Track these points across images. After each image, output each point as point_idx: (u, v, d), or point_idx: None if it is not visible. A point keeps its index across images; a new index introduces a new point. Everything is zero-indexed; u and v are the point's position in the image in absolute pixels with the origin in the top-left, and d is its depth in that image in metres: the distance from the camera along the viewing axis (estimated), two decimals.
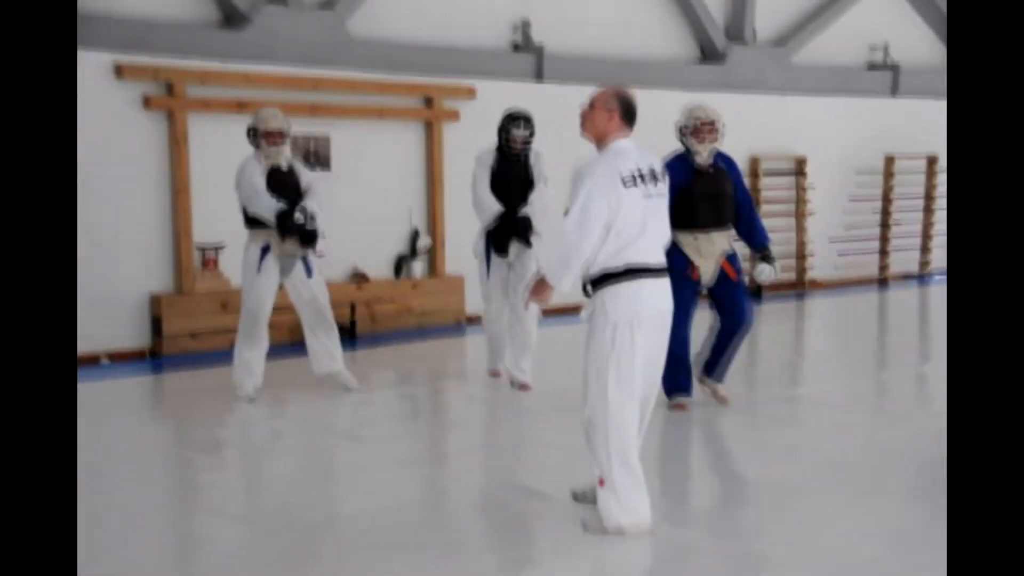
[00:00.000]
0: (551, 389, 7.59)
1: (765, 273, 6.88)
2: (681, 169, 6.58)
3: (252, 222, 7.05)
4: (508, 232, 7.53)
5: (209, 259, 9.12)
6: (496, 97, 10.51)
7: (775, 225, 13.30)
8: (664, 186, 4.53)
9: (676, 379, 6.60)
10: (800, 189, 13.54)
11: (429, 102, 10.48)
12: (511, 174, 7.57)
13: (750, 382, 7.96)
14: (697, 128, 6.71)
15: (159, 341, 8.88)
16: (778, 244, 13.23)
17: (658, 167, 4.55)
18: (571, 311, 11.09)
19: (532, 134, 7.54)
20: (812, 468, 5.58)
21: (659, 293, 4.46)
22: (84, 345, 8.01)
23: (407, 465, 5.84)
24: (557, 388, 7.60)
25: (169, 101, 8.88)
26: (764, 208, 13.22)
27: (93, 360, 8.53)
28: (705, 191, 6.65)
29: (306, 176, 7.22)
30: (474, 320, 10.56)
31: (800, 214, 13.55)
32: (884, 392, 8.08)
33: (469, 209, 10.06)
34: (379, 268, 10.28)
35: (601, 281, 4.42)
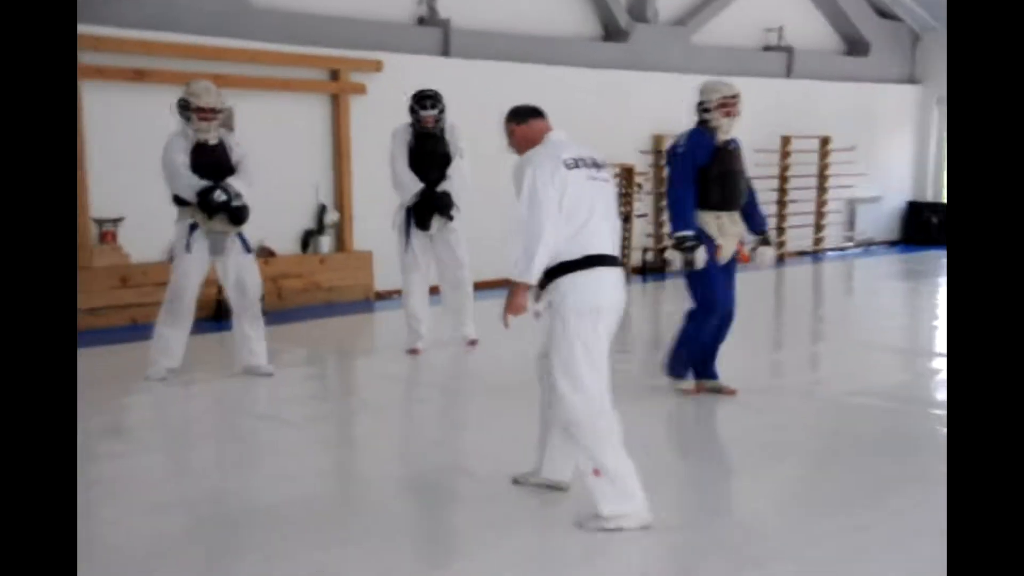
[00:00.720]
0: (474, 368, 7.57)
1: (768, 256, 6.65)
2: (703, 146, 6.33)
3: (180, 200, 6.81)
4: (429, 208, 7.64)
5: (107, 233, 8.77)
6: (403, 71, 10.41)
7: None
8: (607, 173, 4.44)
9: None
10: None
11: (335, 75, 10.26)
12: (428, 149, 7.68)
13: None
14: (723, 103, 6.43)
15: None
16: None
17: (598, 157, 4.44)
18: (491, 286, 11.22)
19: (442, 111, 7.65)
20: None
21: (617, 283, 4.36)
22: None
23: (329, 448, 5.74)
24: (480, 367, 7.58)
25: None
26: (663, 187, 13.36)
27: None
28: (726, 169, 6.37)
29: (237, 151, 6.97)
30: (384, 296, 10.45)
31: None
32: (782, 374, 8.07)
33: (377, 184, 9.96)
34: (286, 244, 10.04)
35: (558, 271, 4.27)
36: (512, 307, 4.28)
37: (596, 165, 4.38)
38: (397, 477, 5.19)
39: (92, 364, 7.60)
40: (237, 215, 6.79)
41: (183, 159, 6.71)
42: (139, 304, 8.79)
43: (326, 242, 10.22)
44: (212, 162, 6.79)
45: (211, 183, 6.67)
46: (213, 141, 6.85)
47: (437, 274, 7.95)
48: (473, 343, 8.01)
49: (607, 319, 4.30)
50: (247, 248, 7.02)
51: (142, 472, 5.22)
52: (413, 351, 7.87)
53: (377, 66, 10.42)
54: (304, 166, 10.11)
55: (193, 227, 6.80)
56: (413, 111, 7.62)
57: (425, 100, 7.60)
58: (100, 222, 8.72)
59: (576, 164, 4.30)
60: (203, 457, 5.58)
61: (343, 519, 4.50)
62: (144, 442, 5.87)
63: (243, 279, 6.99)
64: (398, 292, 10.15)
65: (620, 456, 4.25)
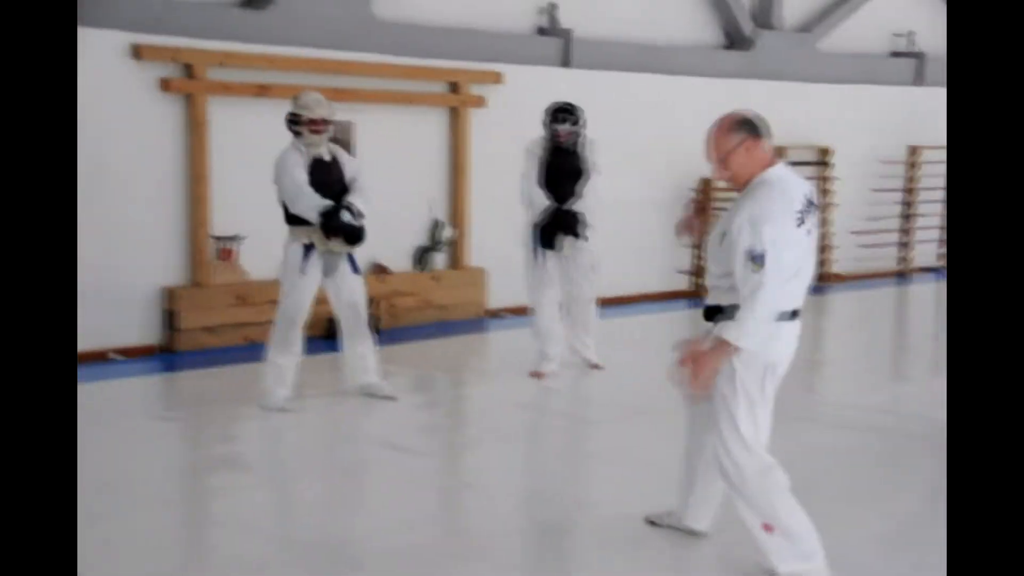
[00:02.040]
0: (599, 395, 7.34)
1: None
2: None
3: (293, 218, 6.67)
4: (556, 227, 7.45)
5: (226, 251, 8.75)
6: (523, 82, 10.21)
7: None
8: (816, 216, 4.03)
9: None
10: (824, 179, 13.21)
11: (455, 87, 10.08)
12: (562, 165, 7.48)
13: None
14: None
15: (172, 336, 8.51)
16: None
17: (813, 194, 4.05)
18: (618, 302, 11.01)
19: (577, 123, 7.47)
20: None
21: (794, 337, 4.06)
22: (92, 340, 7.66)
23: (450, 485, 5.57)
24: (605, 393, 7.35)
25: (188, 84, 8.46)
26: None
27: (101, 356, 8.15)
28: None
29: (351, 167, 6.82)
30: (495, 314, 10.27)
31: (824, 206, 13.22)
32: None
33: (493, 199, 9.83)
34: (399, 260, 9.92)
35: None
36: (706, 370, 3.92)
37: (812, 208, 3.95)
38: (521, 518, 5.04)
39: (209, 385, 7.63)
40: (357, 236, 6.63)
41: (304, 177, 6.55)
42: (255, 323, 8.73)
43: (440, 258, 10.07)
44: (329, 179, 6.64)
45: (334, 203, 6.50)
46: (327, 157, 6.71)
47: (566, 295, 7.75)
48: (596, 367, 7.82)
49: (776, 373, 4.03)
50: (355, 268, 6.88)
51: (257, 508, 5.11)
52: (537, 374, 7.62)
53: (497, 78, 10.21)
54: (421, 181, 9.96)
55: (308, 248, 6.65)
56: (548, 125, 7.46)
57: (560, 114, 7.43)
58: (219, 239, 8.70)
59: (802, 219, 3.88)
60: (317, 493, 5.40)
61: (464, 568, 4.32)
62: (260, 474, 5.76)
63: (355, 299, 6.87)
64: (510, 311, 10.08)
65: (794, 511, 3.98)
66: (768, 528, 3.99)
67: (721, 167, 4.04)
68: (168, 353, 8.47)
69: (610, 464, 5.74)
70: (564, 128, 7.39)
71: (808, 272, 4.00)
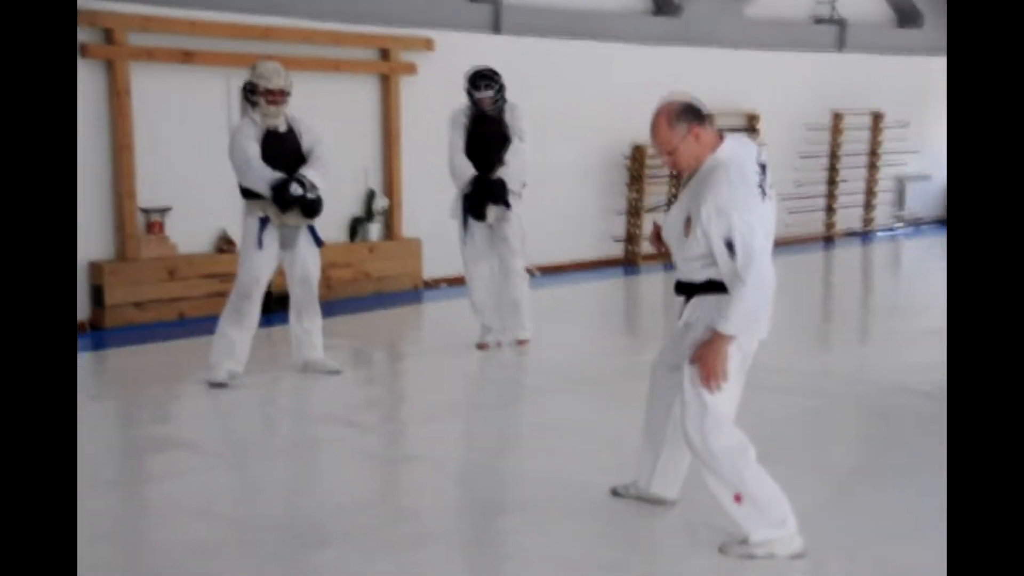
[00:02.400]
0: (543, 365, 7.25)
1: None
2: None
3: (248, 192, 6.44)
4: (483, 196, 7.20)
5: (154, 223, 8.43)
6: (454, 50, 10.00)
7: None
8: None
9: None
10: None
11: (385, 54, 9.85)
12: (485, 132, 7.22)
13: None
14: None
15: (100, 312, 8.18)
16: None
17: (764, 154, 3.94)
18: (552, 270, 10.94)
19: (500, 90, 7.19)
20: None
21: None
22: None
23: (405, 458, 5.43)
24: (552, 362, 7.27)
25: (108, 50, 8.09)
26: None
27: None
28: None
29: (308, 136, 6.57)
30: (431, 285, 10.12)
31: None
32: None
33: (426, 168, 9.63)
34: (333, 232, 9.68)
35: (723, 288, 3.87)
36: (717, 366, 3.83)
37: (765, 170, 3.84)
38: (483, 493, 4.85)
39: (142, 363, 7.36)
40: (312, 208, 6.43)
41: (255, 149, 6.33)
42: (187, 297, 8.48)
43: (375, 229, 9.86)
44: (283, 151, 6.42)
45: (285, 175, 6.29)
46: (283, 128, 6.48)
47: (498, 266, 7.53)
48: (522, 343, 7.57)
49: (752, 346, 3.95)
50: (318, 241, 6.69)
51: (207, 489, 4.86)
52: (482, 346, 7.51)
53: (428, 44, 10.00)
54: (353, 150, 9.71)
55: (264, 221, 6.44)
56: (469, 93, 7.18)
57: (480, 80, 7.14)
58: (147, 211, 8.38)
59: (763, 190, 3.78)
60: (268, 473, 5.19)
61: (424, 543, 4.18)
62: (206, 454, 5.46)
63: (309, 274, 6.68)
64: (446, 281, 9.92)
65: (763, 480, 3.92)
66: (738, 499, 3.93)
67: (671, 159, 3.95)
68: (96, 330, 8.15)
69: (562, 436, 5.59)
70: (485, 95, 7.11)
71: (771, 234, 3.90)
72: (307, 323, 6.80)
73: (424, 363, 7.53)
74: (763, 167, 3.85)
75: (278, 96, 6.39)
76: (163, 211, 8.42)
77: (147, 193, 8.39)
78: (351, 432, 5.78)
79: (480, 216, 7.26)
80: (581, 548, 4.14)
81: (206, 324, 8.15)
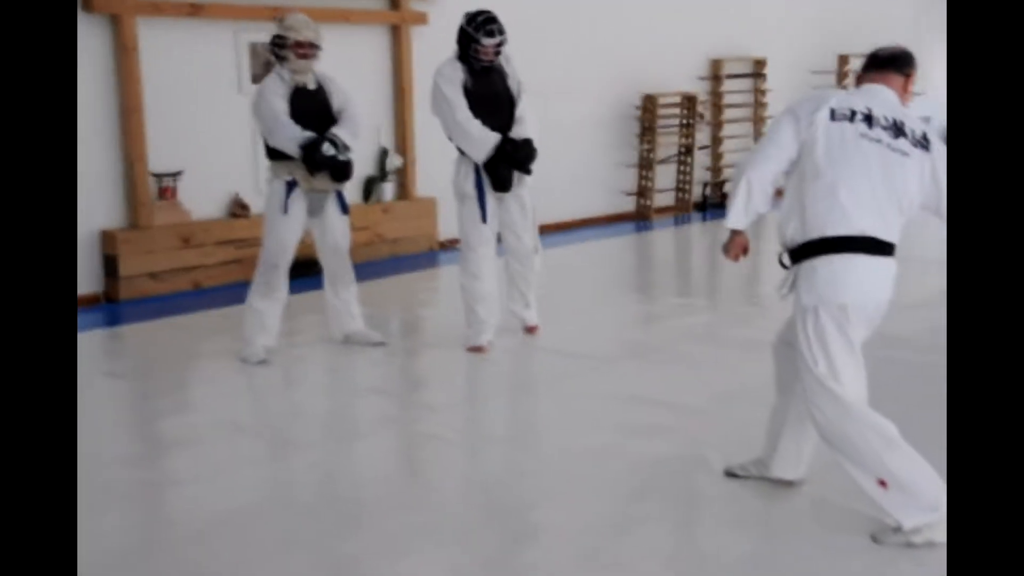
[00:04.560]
0: (576, 336, 6.72)
1: None
2: None
3: (275, 154, 6.01)
4: (509, 163, 6.12)
5: (166, 188, 7.96)
6: None
7: (735, 132, 12.77)
8: (916, 148, 3.61)
9: None
10: (758, 92, 12.96)
11: (395, 3, 9.37)
12: (489, 90, 6.18)
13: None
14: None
15: (114, 284, 7.72)
16: (736, 152, 12.74)
17: (912, 123, 3.66)
18: (563, 227, 10.55)
19: (504, 42, 6.11)
20: None
21: (872, 276, 3.62)
22: None
23: (471, 440, 5.09)
24: (586, 332, 6.84)
25: (113, 2, 7.54)
26: (726, 113, 12.66)
27: None
28: None
29: (339, 96, 6.16)
30: (447, 246, 9.74)
31: (758, 119, 12.99)
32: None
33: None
34: (347, 193, 9.23)
35: (800, 254, 3.65)
36: (726, 252, 3.99)
37: (899, 131, 3.60)
38: (577, 470, 4.35)
39: (161, 337, 6.88)
40: (343, 171, 6.04)
41: (283, 106, 5.91)
42: (202, 266, 8.04)
43: (389, 189, 9.44)
44: (313, 109, 6.01)
45: (316, 135, 5.89)
46: (312, 85, 6.07)
47: (506, 243, 6.50)
48: (532, 330, 6.68)
49: (852, 318, 3.60)
50: (344, 208, 6.31)
51: (250, 463, 4.51)
52: (477, 348, 6.36)
53: None
54: (365, 107, 9.17)
55: (291, 185, 6.03)
56: (470, 39, 6.05)
57: (491, 24, 6.03)
58: (159, 176, 7.90)
59: (850, 117, 3.59)
60: (318, 455, 4.80)
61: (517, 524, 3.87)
62: (245, 439, 5.05)
63: (339, 242, 6.30)
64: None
65: (908, 460, 3.59)
66: (883, 484, 3.63)
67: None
68: (111, 302, 7.69)
69: (635, 408, 5.28)
70: (492, 42, 6.04)
71: (880, 194, 3.59)
72: (343, 293, 6.44)
73: (452, 337, 6.79)
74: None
75: (308, 49, 5.98)
76: (175, 175, 7.96)
77: (157, 157, 7.91)
78: (398, 408, 5.48)
79: (507, 187, 6.20)
80: (712, 540, 3.84)
81: (223, 293, 7.81)
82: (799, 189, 3.63)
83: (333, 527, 3.98)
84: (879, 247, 3.59)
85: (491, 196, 6.26)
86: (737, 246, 3.90)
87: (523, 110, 6.27)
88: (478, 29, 6.04)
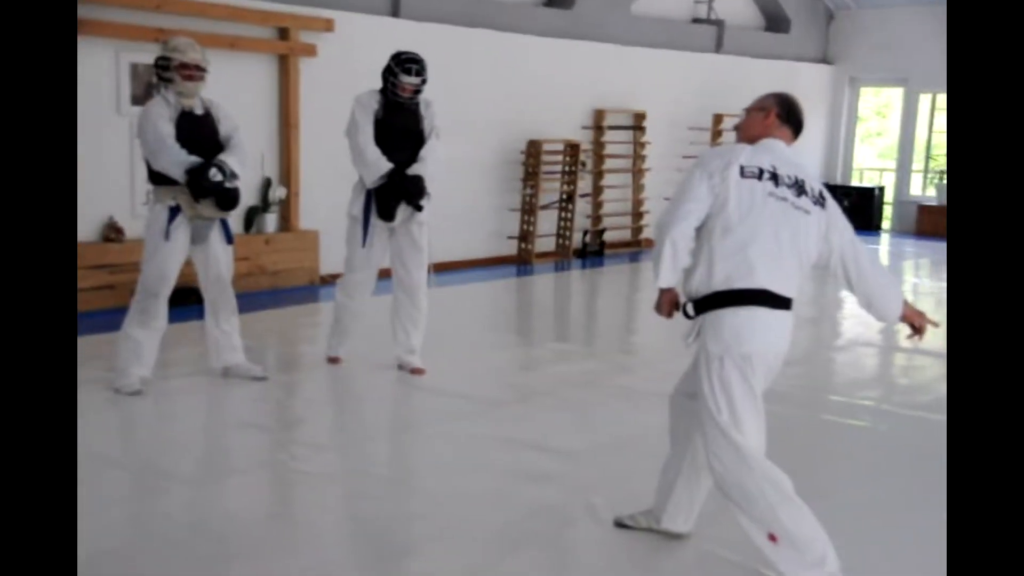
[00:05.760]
0: (443, 382, 6.52)
1: None
2: None
3: (158, 177, 5.83)
4: (397, 194, 6.34)
5: None
6: (354, 32, 9.58)
7: (614, 182, 12.98)
8: (815, 206, 3.73)
9: None
10: (639, 144, 13.22)
11: (284, 33, 9.26)
12: (400, 123, 6.37)
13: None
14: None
15: None
16: (615, 201, 12.96)
17: (813, 183, 3.78)
18: (446, 267, 10.48)
19: (424, 82, 6.35)
20: None
21: (774, 328, 3.70)
22: None
23: (355, 481, 4.97)
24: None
25: None
26: (607, 163, 12.86)
27: None
28: None
29: (227, 122, 6.03)
30: (328, 281, 9.58)
31: (637, 171, 13.24)
32: None
33: (325, 156, 9.10)
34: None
35: (706, 304, 3.70)
36: (659, 310, 3.92)
37: (800, 189, 3.71)
38: (467, 519, 4.28)
39: None
40: (229, 199, 5.90)
41: (169, 129, 5.75)
42: (80, 289, 7.72)
43: (271, 220, 9.27)
44: (200, 135, 5.86)
45: (203, 160, 5.74)
46: (199, 110, 5.92)
47: (396, 277, 6.65)
48: (416, 372, 6.65)
49: (756, 367, 3.66)
50: (229, 238, 6.15)
51: (117, 504, 4.33)
52: (335, 360, 6.75)
53: (328, 25, 9.47)
54: (249, 135, 8.96)
55: (174, 211, 5.85)
56: (392, 74, 6.27)
57: (412, 64, 6.25)
58: None
59: (758, 175, 3.66)
60: (186, 497, 4.62)
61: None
62: (117, 471, 4.87)
63: (222, 272, 6.14)
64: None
65: (799, 517, 3.64)
66: (773, 538, 3.67)
67: (739, 128, 4.03)
68: None
69: (521, 453, 5.25)
70: (412, 81, 6.26)
71: (783, 253, 3.68)
72: (225, 324, 6.27)
73: (334, 373, 6.82)
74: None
75: (193, 71, 5.85)
76: None
77: None
78: (271, 445, 5.31)
79: (390, 216, 6.42)
80: None
81: (94, 320, 7.50)
82: (708, 243, 3.68)
83: (204, 570, 3.83)
84: (780, 302, 3.68)
85: (380, 225, 6.42)
86: (668, 303, 3.89)
87: (427, 151, 6.40)
88: (399, 66, 6.27)
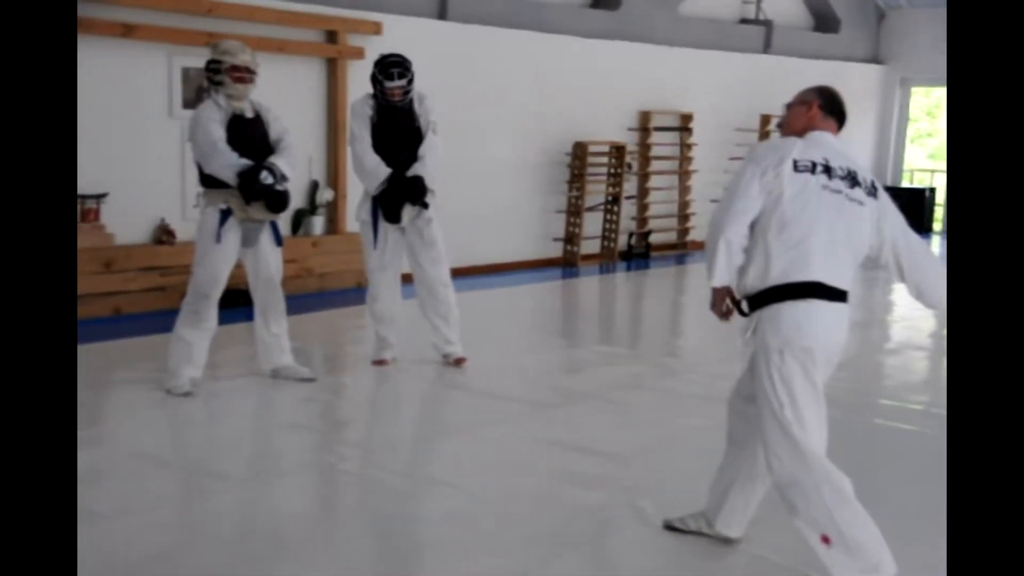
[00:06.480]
0: (489, 385, 6.52)
1: None
2: None
3: (209, 181, 5.89)
4: (399, 196, 6.46)
5: (89, 210, 7.75)
6: (402, 35, 9.57)
7: (660, 184, 12.93)
8: (868, 197, 3.71)
9: None
10: (684, 146, 13.16)
11: (332, 36, 9.32)
12: (395, 125, 6.47)
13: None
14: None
15: None
16: (661, 203, 12.90)
17: (864, 173, 3.76)
18: (490, 270, 10.53)
19: (411, 80, 6.39)
20: None
21: (833, 320, 3.68)
22: None
23: (411, 484, 4.98)
24: (495, 384, 6.65)
25: None
26: (653, 165, 12.81)
27: None
28: None
29: (277, 125, 6.08)
30: None
31: (684, 172, 13.18)
32: None
33: None
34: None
35: (762, 299, 3.66)
36: (714, 309, 3.84)
37: (853, 181, 3.69)
38: (517, 521, 4.28)
39: (83, 365, 6.61)
40: (280, 201, 5.95)
41: (221, 133, 5.81)
42: (124, 292, 7.85)
43: (318, 223, 9.33)
44: (251, 138, 5.92)
45: (254, 163, 5.80)
46: (249, 113, 5.99)
47: (414, 275, 6.78)
48: (459, 362, 6.83)
49: (817, 361, 3.63)
50: (279, 240, 6.21)
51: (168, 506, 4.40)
52: (380, 362, 6.80)
53: (376, 28, 9.52)
54: (297, 138, 9.04)
55: (225, 214, 5.91)
56: (377, 81, 6.40)
57: (393, 68, 6.33)
58: (82, 198, 7.69)
59: (811, 168, 3.63)
60: (238, 496, 4.69)
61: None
62: (167, 472, 4.95)
63: (272, 274, 6.20)
64: None
65: (856, 520, 3.59)
66: (827, 540, 3.62)
67: (782, 123, 4.01)
68: None
69: (569, 455, 5.23)
70: (396, 85, 6.33)
71: (838, 244, 3.66)
72: (274, 326, 6.33)
73: (380, 375, 6.80)
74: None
75: (244, 73, 5.91)
76: (99, 198, 7.76)
77: (82, 178, 7.67)
78: (319, 446, 5.37)
79: (395, 219, 6.52)
80: None
81: (145, 321, 7.61)
82: (763, 238, 3.64)
83: (253, 570, 3.86)
84: (837, 294, 3.66)
85: (390, 226, 6.56)
86: (724, 301, 3.86)
87: (425, 149, 6.49)
88: (383, 72, 6.37)
